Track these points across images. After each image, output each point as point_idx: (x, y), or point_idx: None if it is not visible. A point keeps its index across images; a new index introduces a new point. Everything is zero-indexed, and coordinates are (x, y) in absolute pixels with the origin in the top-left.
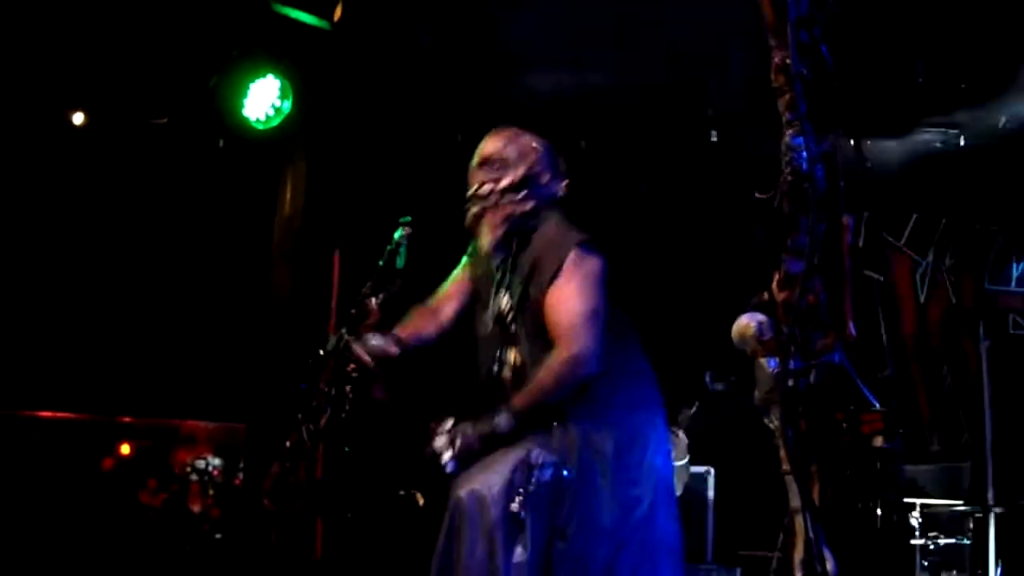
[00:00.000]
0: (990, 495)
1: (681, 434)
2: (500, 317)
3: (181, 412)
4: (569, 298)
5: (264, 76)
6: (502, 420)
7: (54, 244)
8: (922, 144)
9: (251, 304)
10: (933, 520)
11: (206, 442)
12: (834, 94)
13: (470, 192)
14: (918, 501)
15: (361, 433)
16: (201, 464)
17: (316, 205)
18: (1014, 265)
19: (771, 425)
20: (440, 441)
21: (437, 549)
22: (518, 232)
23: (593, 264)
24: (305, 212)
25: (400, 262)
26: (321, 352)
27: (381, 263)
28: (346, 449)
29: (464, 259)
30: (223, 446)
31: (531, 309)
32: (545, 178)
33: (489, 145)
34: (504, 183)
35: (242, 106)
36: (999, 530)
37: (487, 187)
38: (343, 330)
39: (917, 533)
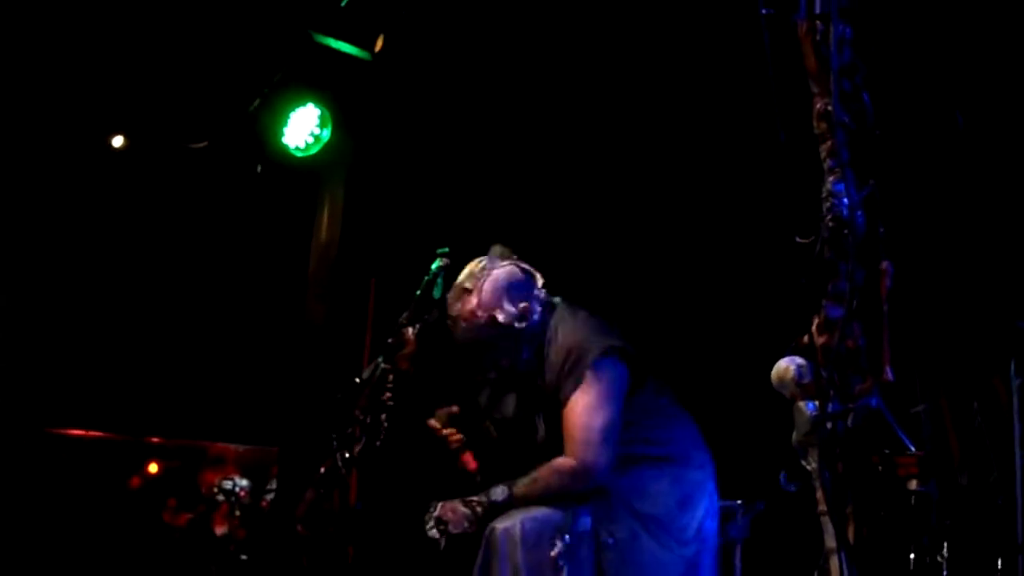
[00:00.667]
0: (1019, 534)
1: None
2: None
3: (211, 434)
4: (584, 411)
5: (304, 104)
6: (499, 493)
7: (91, 265)
8: None
9: (285, 330)
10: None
11: (234, 464)
12: (875, 142)
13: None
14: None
15: (395, 462)
16: (228, 485)
17: (353, 233)
18: None
19: (808, 467)
20: (429, 526)
21: None
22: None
23: (610, 376)
24: (342, 240)
25: (437, 292)
26: (357, 380)
27: (418, 293)
28: (380, 476)
29: None
30: (250, 468)
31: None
32: (526, 308)
33: (472, 276)
34: (481, 318)
35: (282, 133)
36: None
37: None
38: (379, 359)
39: (944, 573)
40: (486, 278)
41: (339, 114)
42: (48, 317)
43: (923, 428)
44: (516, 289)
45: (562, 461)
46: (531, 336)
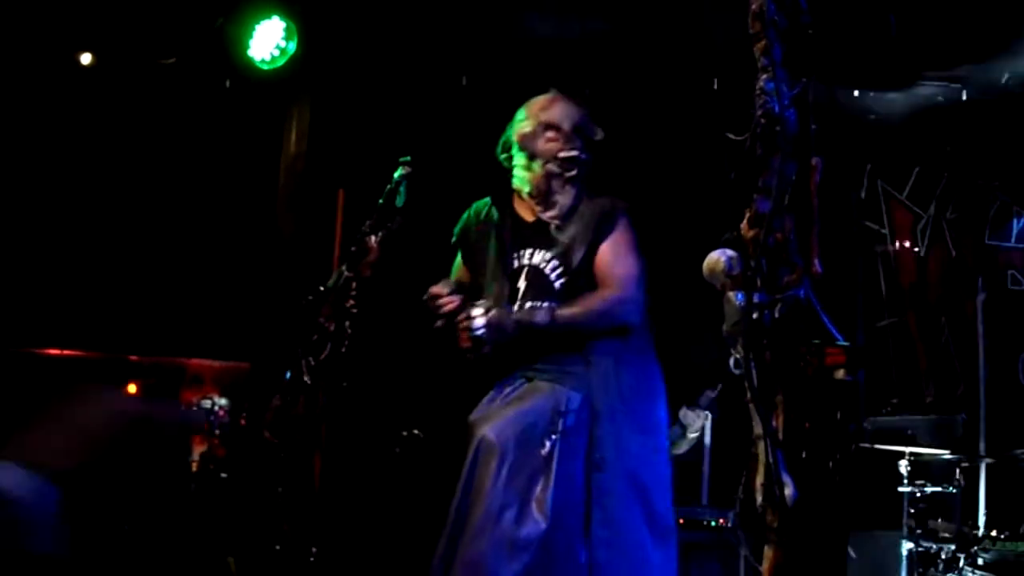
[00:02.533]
0: (981, 446)
1: (705, 414)
2: (532, 271)
3: (188, 350)
4: (624, 254)
5: (270, 17)
6: (541, 315)
7: (61, 183)
8: (924, 98)
9: (257, 243)
10: (923, 468)
11: (212, 382)
12: (808, 40)
13: (533, 152)
14: (907, 449)
15: (362, 370)
16: (207, 404)
17: (321, 145)
18: (1015, 221)
19: (737, 356)
20: (477, 311)
21: (462, 477)
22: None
23: (635, 233)
24: (310, 152)
25: (400, 200)
26: (322, 288)
27: (381, 201)
28: (344, 384)
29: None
30: (229, 387)
31: (581, 265)
32: (590, 150)
33: (553, 111)
34: (570, 153)
35: (247, 47)
36: (988, 481)
37: (562, 152)
38: (343, 267)
39: (905, 481)
40: (566, 115)
41: (305, 26)
42: (19, 235)
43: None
44: (588, 127)
45: (604, 291)
46: (584, 169)
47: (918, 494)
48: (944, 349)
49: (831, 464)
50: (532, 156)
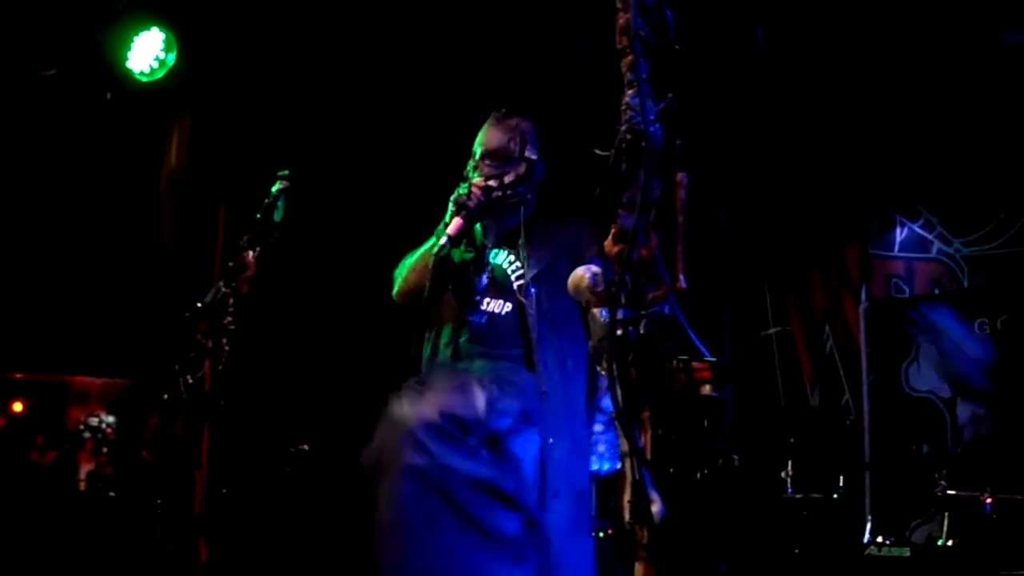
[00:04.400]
0: (866, 453)
1: None
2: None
3: (72, 368)
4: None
5: (149, 28)
6: None
7: None
8: None
9: (139, 257)
10: (805, 476)
11: (98, 399)
12: (675, 56)
13: (478, 182)
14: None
15: (242, 387)
16: (94, 422)
17: (202, 159)
18: (897, 230)
19: (602, 371)
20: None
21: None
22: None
23: None
24: (191, 166)
25: (278, 215)
26: (198, 305)
27: (259, 216)
28: (222, 402)
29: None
30: (116, 403)
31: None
32: (539, 167)
33: (493, 139)
34: (510, 178)
35: (126, 58)
36: (873, 487)
37: (494, 182)
38: (220, 283)
39: (789, 488)
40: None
41: (185, 38)
42: None
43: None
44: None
45: None
46: (534, 189)
47: (803, 500)
48: (829, 358)
49: (699, 480)
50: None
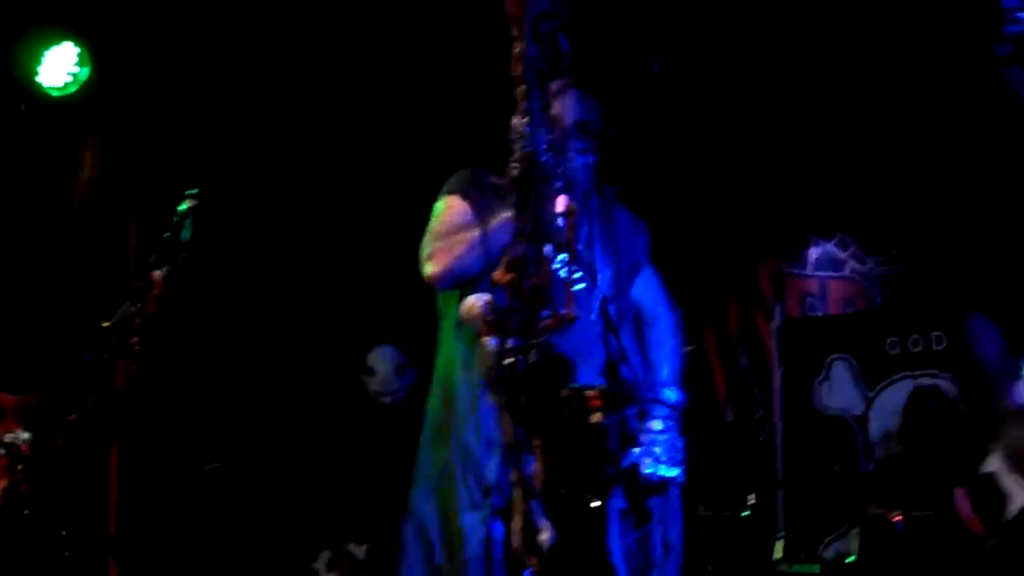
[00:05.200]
0: (778, 470)
1: None
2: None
3: None
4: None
5: (61, 43)
6: None
7: None
8: None
9: (52, 273)
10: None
11: (15, 416)
12: (573, 83)
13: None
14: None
15: (150, 406)
16: (9, 438)
17: (114, 174)
18: (811, 249)
19: (492, 400)
20: None
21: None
22: None
23: None
24: (103, 181)
25: (186, 234)
26: (105, 324)
27: (167, 235)
28: (130, 421)
29: None
30: (33, 419)
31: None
32: None
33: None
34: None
35: (37, 72)
36: (786, 504)
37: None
38: (127, 302)
39: (700, 506)
40: None
41: (98, 53)
42: None
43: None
44: None
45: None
46: None
47: (714, 519)
48: (743, 375)
49: (590, 507)
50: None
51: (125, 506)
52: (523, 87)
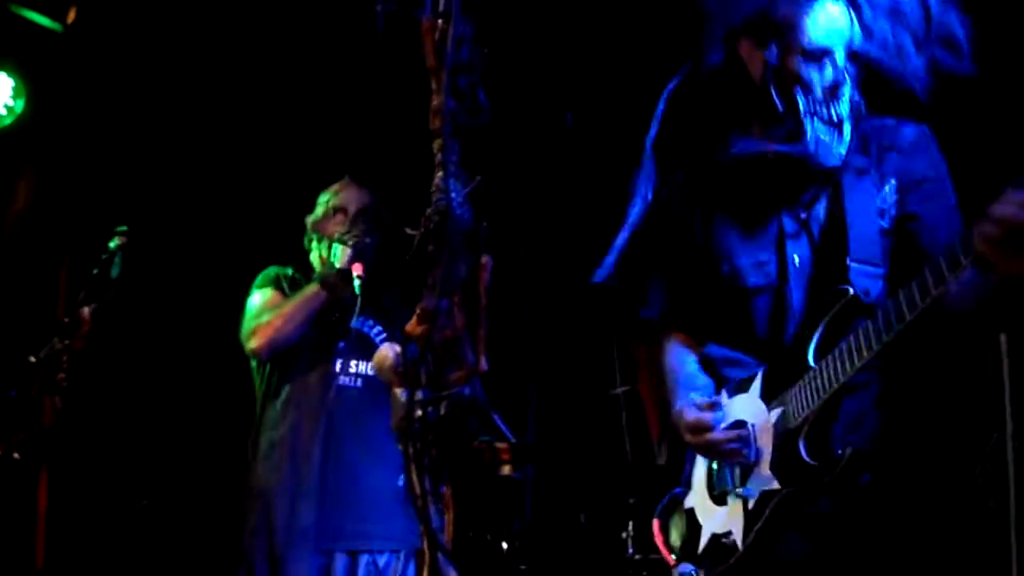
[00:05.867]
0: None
1: None
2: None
3: None
4: None
5: None
6: None
7: None
8: None
9: None
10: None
11: None
12: (485, 139)
13: (322, 235)
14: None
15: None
16: None
17: (47, 208)
18: None
19: (402, 451)
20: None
21: None
22: None
23: None
24: (35, 215)
25: (115, 271)
26: (32, 359)
27: (96, 271)
28: (55, 459)
29: None
30: None
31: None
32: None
33: (341, 196)
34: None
35: None
36: None
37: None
38: (55, 338)
39: (631, 549)
40: (353, 199)
41: (32, 86)
42: None
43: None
44: (377, 210)
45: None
46: None
47: (642, 560)
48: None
49: (501, 558)
50: (320, 239)
51: (53, 542)
52: (439, 141)
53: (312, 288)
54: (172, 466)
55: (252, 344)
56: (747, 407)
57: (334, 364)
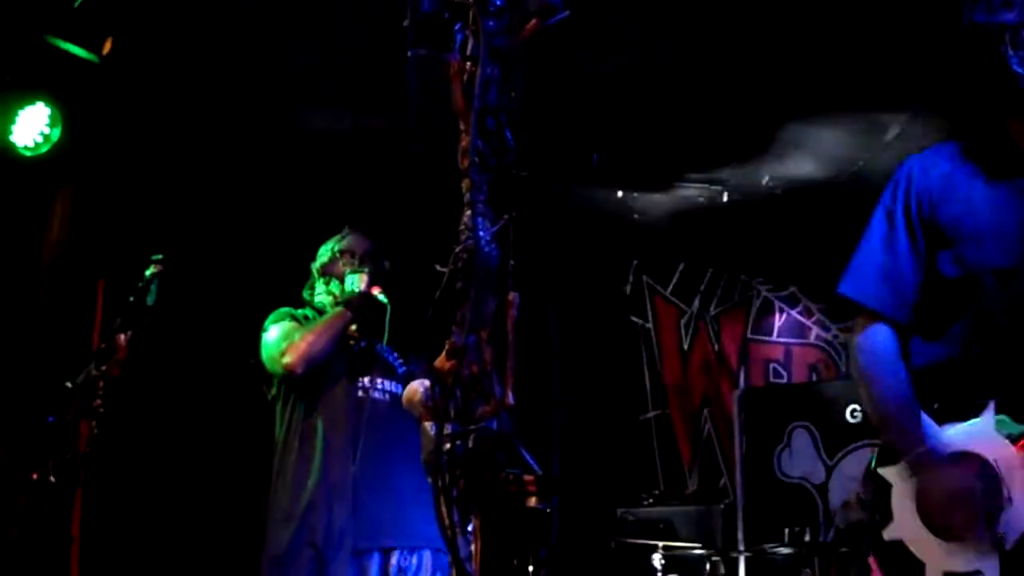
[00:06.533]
0: (739, 539)
1: None
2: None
3: None
4: None
5: (34, 103)
6: None
7: None
8: (686, 199)
9: (15, 333)
10: (677, 562)
11: None
12: (514, 180)
13: (331, 275)
14: (660, 543)
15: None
16: None
17: (83, 235)
18: (776, 316)
19: (431, 484)
20: None
21: None
22: None
23: None
24: (71, 241)
25: (151, 299)
26: (69, 385)
27: (131, 299)
28: (91, 483)
29: None
30: None
31: None
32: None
33: (345, 241)
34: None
35: (10, 132)
36: (746, 571)
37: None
38: (91, 365)
39: (659, 575)
40: (358, 244)
41: (70, 113)
42: None
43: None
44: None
45: None
46: None
47: None
48: (707, 441)
49: None
50: (329, 280)
51: (87, 569)
52: (467, 181)
53: (338, 311)
54: (203, 491)
55: (286, 360)
56: (977, 438)
57: (361, 383)
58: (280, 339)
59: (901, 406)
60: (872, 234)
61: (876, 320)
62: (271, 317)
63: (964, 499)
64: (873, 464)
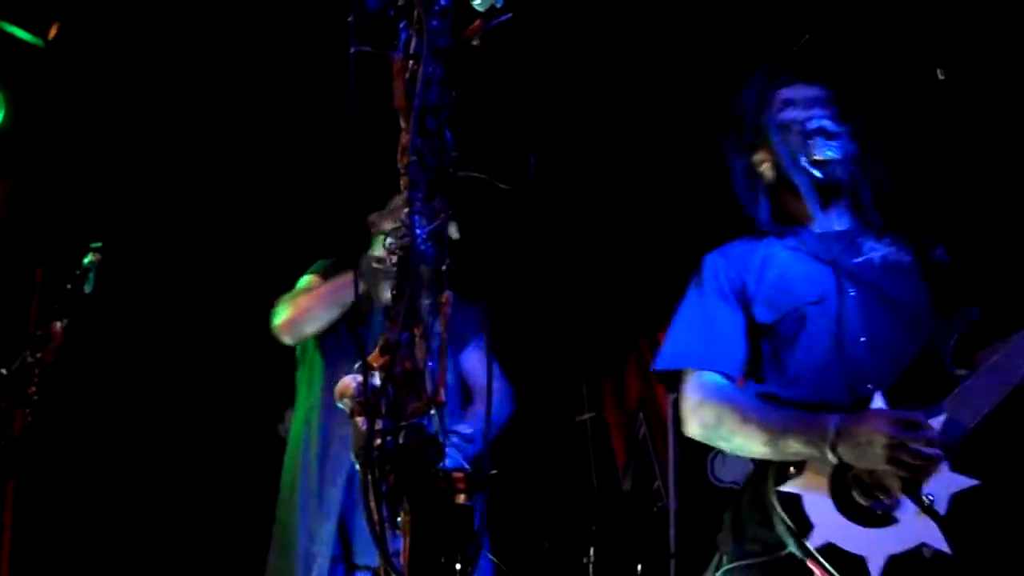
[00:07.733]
0: (671, 542)
1: None
2: None
3: None
4: None
5: None
6: None
7: None
8: None
9: None
10: (609, 564)
11: None
12: (451, 179)
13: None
14: (592, 546)
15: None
16: None
17: (21, 222)
18: None
19: (360, 478)
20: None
21: None
22: None
23: None
24: (9, 228)
25: (88, 287)
26: (3, 372)
27: (68, 286)
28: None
29: None
30: None
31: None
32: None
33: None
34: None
35: None
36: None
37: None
38: (26, 352)
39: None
40: None
41: (11, 99)
42: None
43: (588, 436)
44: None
45: None
46: None
47: None
48: (642, 444)
49: None
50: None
51: (17, 555)
52: (405, 178)
53: (348, 276)
54: (137, 479)
55: (275, 321)
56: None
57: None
58: (286, 297)
59: (783, 411)
60: (682, 313)
61: (703, 372)
62: (311, 268)
63: (910, 424)
64: (771, 486)
